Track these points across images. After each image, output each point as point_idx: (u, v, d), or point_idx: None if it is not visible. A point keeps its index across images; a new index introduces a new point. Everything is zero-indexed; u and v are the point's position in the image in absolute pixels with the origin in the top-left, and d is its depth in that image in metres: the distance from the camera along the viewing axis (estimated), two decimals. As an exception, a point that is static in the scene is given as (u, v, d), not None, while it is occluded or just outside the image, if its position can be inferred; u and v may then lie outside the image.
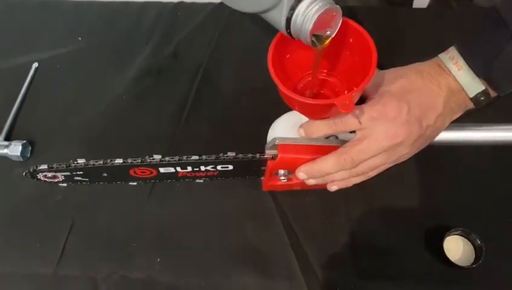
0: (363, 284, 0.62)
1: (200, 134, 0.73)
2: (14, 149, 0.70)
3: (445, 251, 0.61)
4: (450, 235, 0.62)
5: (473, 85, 0.51)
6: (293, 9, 0.41)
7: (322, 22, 0.41)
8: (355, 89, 0.45)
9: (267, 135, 0.67)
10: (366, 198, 0.66)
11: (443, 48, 0.55)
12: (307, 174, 0.56)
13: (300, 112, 0.53)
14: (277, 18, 0.43)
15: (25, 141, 0.71)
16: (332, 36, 0.44)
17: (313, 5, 0.41)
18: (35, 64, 0.81)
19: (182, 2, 0.87)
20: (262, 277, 0.62)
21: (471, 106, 0.54)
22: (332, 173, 0.55)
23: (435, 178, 0.67)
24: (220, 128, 0.74)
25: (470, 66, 0.51)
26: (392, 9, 0.95)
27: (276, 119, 0.64)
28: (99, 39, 0.84)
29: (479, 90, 0.52)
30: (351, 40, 0.48)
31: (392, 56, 0.60)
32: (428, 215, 0.65)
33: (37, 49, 0.83)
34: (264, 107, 0.75)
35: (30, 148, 0.72)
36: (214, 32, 0.83)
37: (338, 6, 0.42)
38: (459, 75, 0.52)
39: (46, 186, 0.65)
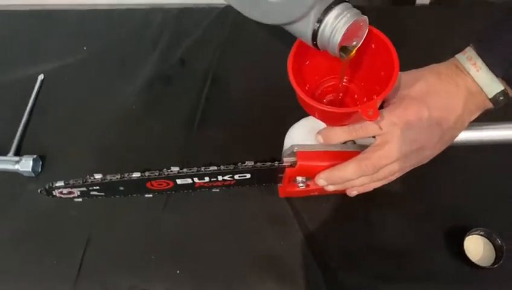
0: (386, 288, 0.61)
1: (213, 141, 0.73)
2: (25, 165, 0.69)
3: (465, 251, 0.61)
4: (470, 235, 0.62)
5: (491, 86, 0.51)
6: (320, 21, 0.41)
7: (350, 33, 0.41)
8: (376, 96, 0.45)
9: (280, 139, 0.67)
10: (385, 200, 0.65)
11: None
12: (327, 180, 0.56)
13: (320, 119, 0.53)
14: (303, 30, 0.42)
15: (35, 156, 0.70)
16: (358, 46, 0.43)
17: (340, 17, 0.40)
18: (41, 76, 0.80)
19: (187, 7, 0.86)
20: (283, 284, 0.62)
21: (490, 106, 0.53)
22: (353, 179, 0.54)
23: (453, 179, 0.66)
24: (233, 134, 0.73)
25: (488, 67, 0.50)
26: (397, 8, 0.95)
27: (291, 124, 0.64)
28: (104, 48, 0.83)
29: (498, 91, 0.51)
30: (372, 46, 0.48)
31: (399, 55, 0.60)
32: (448, 216, 0.64)
33: (41, 60, 0.82)
34: (276, 110, 0.75)
35: (41, 162, 0.71)
36: (221, 37, 0.82)
37: (365, 16, 0.42)
38: (477, 76, 0.51)
39: (60, 202, 0.64)
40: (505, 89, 0.51)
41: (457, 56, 0.53)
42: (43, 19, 0.88)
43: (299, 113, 0.60)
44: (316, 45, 0.43)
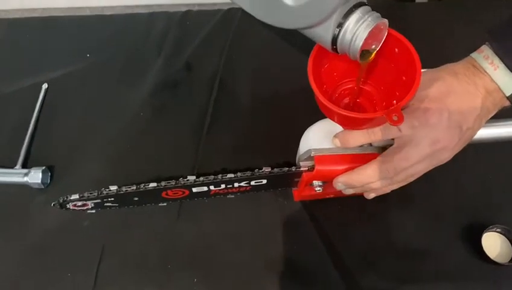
0: (405, 289, 0.61)
1: (223, 145, 0.72)
2: (34, 177, 0.68)
3: (483, 248, 0.61)
4: (487, 233, 0.62)
5: (510, 84, 0.51)
6: (340, 25, 0.40)
7: (371, 37, 0.40)
8: (399, 100, 0.44)
9: (291, 141, 0.66)
10: (401, 200, 0.65)
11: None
12: (346, 184, 0.56)
13: (339, 123, 0.52)
14: (322, 34, 0.41)
15: (44, 167, 0.69)
16: (377, 49, 0.43)
17: (361, 21, 0.39)
18: (45, 85, 0.78)
19: (190, 10, 0.85)
20: (302, 289, 0.62)
21: (507, 104, 0.53)
22: (373, 182, 0.54)
23: (469, 176, 0.66)
24: (244, 138, 0.73)
25: (506, 65, 0.50)
26: (400, 4, 0.94)
27: (302, 126, 0.63)
28: (108, 54, 0.81)
29: None
30: (396, 50, 0.47)
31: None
32: (465, 214, 0.64)
33: (44, 69, 0.80)
34: (286, 113, 0.74)
35: (50, 173, 0.70)
36: (226, 40, 0.82)
37: (385, 19, 0.41)
38: (495, 75, 0.51)
39: (72, 213, 0.63)
40: None
41: (473, 55, 0.53)
42: (44, 27, 0.86)
43: (310, 115, 0.59)
44: (335, 49, 0.43)
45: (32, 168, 0.69)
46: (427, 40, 0.79)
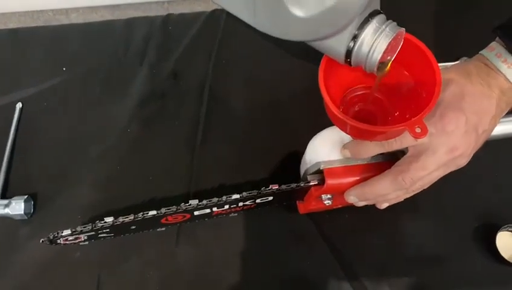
0: (421, 297, 0.59)
1: (219, 158, 0.68)
2: (16, 208, 0.62)
3: (498, 248, 0.60)
4: (501, 232, 0.60)
5: None
6: (356, 37, 0.36)
7: (389, 49, 0.37)
8: (419, 112, 0.41)
9: (292, 149, 0.63)
10: (410, 206, 0.62)
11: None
12: (359, 198, 0.53)
13: (351, 135, 0.49)
14: (334, 47, 0.37)
15: (26, 196, 0.63)
16: (393, 59, 0.39)
17: (379, 32, 0.36)
18: (19, 105, 0.72)
19: (171, 14, 0.79)
20: (316, 305, 0.59)
21: (519, 101, 0.51)
22: (388, 193, 0.51)
23: (477, 176, 0.64)
24: (239, 147, 0.69)
25: None
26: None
27: (301, 134, 0.59)
28: (86, 66, 0.75)
29: None
30: (412, 56, 0.44)
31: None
32: (476, 215, 0.63)
33: (17, 88, 0.73)
34: (284, 118, 0.71)
35: (32, 202, 0.65)
36: (213, 44, 0.76)
37: (403, 28, 0.38)
38: (509, 73, 0.49)
39: (62, 246, 0.58)
40: None
41: (484, 53, 0.51)
42: (11, 40, 0.78)
43: (310, 120, 0.56)
44: (348, 62, 0.39)
45: (13, 198, 0.63)
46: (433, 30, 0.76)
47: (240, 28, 0.76)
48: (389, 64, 0.40)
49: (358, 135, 0.48)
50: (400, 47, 0.39)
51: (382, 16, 0.37)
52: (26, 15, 0.95)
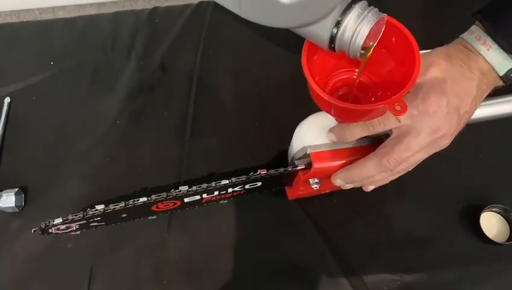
0: (409, 277, 0.61)
1: (209, 148, 0.69)
2: (7, 200, 0.62)
3: (482, 228, 0.61)
4: (485, 213, 0.62)
5: (503, 63, 0.50)
6: (338, 23, 0.37)
7: (371, 34, 0.38)
8: (399, 89, 0.42)
9: (280, 136, 0.64)
10: (397, 189, 0.64)
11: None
12: (346, 180, 0.54)
13: (336, 116, 0.50)
14: (318, 33, 0.38)
15: (17, 189, 0.64)
16: (375, 44, 0.40)
17: (361, 18, 0.36)
18: (8, 100, 0.72)
19: (158, 7, 0.80)
20: (307, 288, 0.60)
21: (500, 84, 0.52)
22: (374, 175, 0.52)
23: (462, 157, 0.65)
24: (229, 138, 0.70)
25: (499, 45, 0.49)
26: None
27: (288, 121, 0.60)
28: (74, 61, 0.75)
29: (510, 68, 0.50)
30: (392, 38, 0.45)
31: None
32: (461, 196, 0.64)
33: (5, 82, 0.73)
34: (271, 107, 0.72)
35: (23, 195, 0.65)
36: (200, 36, 0.77)
37: (384, 14, 0.39)
38: (489, 56, 0.50)
39: (54, 237, 0.59)
40: None
41: (465, 36, 0.52)
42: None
43: (297, 108, 0.57)
44: (332, 48, 0.40)
45: (4, 191, 0.63)
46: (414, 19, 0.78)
47: (227, 20, 0.77)
48: (371, 50, 0.41)
49: (342, 115, 0.49)
50: (381, 33, 0.40)
51: (364, 2, 0.38)
52: (12, 14, 0.94)
